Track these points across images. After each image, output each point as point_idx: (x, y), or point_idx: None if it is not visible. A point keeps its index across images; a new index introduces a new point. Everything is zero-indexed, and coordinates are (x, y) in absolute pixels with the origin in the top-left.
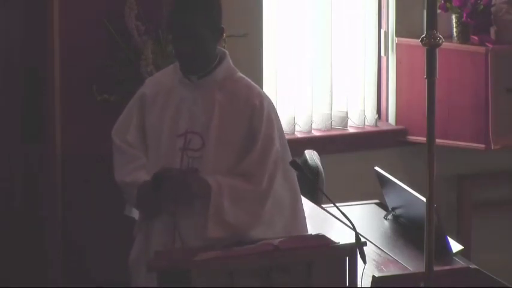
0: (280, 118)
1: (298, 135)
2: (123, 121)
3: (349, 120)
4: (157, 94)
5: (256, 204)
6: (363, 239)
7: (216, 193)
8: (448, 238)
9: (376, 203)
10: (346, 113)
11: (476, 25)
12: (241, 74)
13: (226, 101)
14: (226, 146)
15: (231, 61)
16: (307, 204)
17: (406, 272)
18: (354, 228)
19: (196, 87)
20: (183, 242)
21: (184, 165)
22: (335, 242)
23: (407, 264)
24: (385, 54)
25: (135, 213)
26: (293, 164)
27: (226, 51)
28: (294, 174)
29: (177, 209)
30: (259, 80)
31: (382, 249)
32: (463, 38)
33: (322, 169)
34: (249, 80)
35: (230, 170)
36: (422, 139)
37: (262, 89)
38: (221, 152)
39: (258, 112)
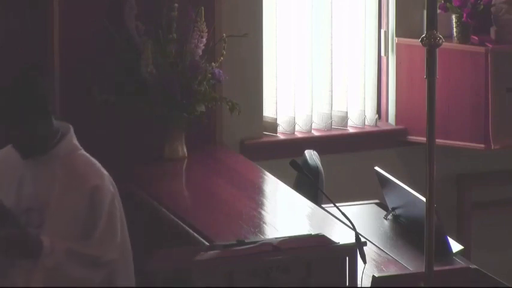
0: (280, 118)
1: (298, 135)
2: None
3: (349, 120)
4: (5, 169)
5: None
6: (363, 239)
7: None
8: (448, 238)
9: (376, 203)
10: (346, 113)
11: (476, 25)
12: (83, 152)
13: (66, 178)
14: (67, 223)
15: (74, 137)
16: (307, 204)
17: (406, 272)
18: (354, 228)
19: (37, 164)
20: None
21: None
22: (335, 242)
23: (407, 264)
24: (385, 54)
25: None
26: (293, 164)
27: (71, 127)
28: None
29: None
30: (259, 80)
31: (382, 249)
32: (463, 38)
33: (322, 169)
34: (90, 157)
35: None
36: (422, 139)
37: (262, 89)
38: (62, 230)
39: (99, 192)
